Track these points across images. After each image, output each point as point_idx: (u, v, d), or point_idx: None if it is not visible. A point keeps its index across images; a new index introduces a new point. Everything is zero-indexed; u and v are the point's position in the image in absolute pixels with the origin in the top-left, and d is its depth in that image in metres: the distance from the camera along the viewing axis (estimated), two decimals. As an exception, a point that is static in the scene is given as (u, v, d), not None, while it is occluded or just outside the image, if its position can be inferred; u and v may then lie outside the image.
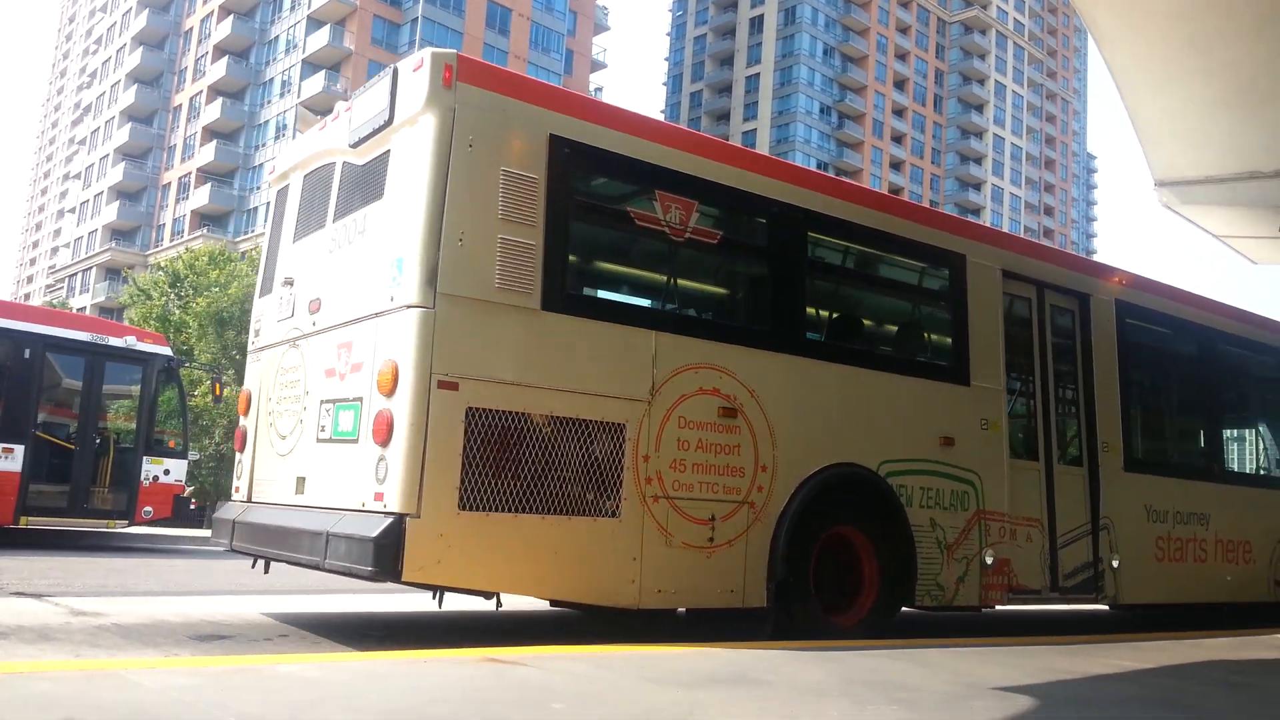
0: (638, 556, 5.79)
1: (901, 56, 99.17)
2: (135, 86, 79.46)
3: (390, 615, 7.60)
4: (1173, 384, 10.35)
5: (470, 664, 4.78)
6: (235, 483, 7.11)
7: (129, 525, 15.57)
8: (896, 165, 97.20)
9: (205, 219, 70.81)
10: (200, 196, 70.70)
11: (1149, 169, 9.36)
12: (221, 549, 7.39)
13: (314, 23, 65.57)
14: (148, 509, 15.49)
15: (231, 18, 71.46)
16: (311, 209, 6.77)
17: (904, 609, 7.25)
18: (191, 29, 77.28)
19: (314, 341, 6.26)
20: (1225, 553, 9.57)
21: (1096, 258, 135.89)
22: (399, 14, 65.28)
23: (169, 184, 76.43)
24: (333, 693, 3.98)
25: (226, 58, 71.28)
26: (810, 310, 7.25)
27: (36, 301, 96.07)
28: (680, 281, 6.79)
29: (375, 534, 5.07)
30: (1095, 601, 8.42)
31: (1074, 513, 8.28)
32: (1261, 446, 11.41)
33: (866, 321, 8.13)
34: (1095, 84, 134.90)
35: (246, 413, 7.08)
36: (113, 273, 74.42)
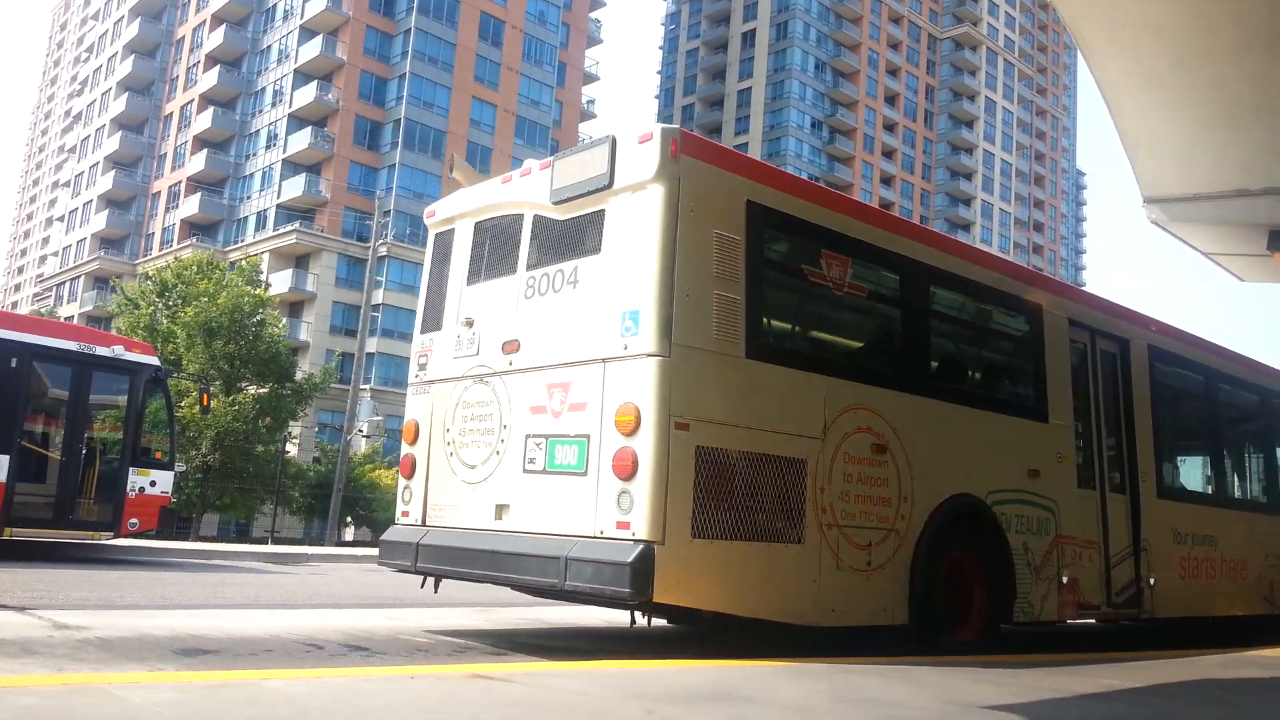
0: (816, 579, 6.43)
1: (892, 72, 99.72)
2: (126, 95, 79.40)
3: (379, 630, 7.56)
4: (1190, 419, 11.36)
5: (456, 680, 4.76)
6: (403, 507, 7.49)
7: (114, 537, 15.42)
8: (887, 180, 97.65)
9: (195, 228, 70.67)
10: (190, 205, 70.57)
11: (1138, 186, 9.38)
12: (381, 567, 7.71)
13: (306, 32, 65.66)
14: (133, 521, 15.28)
15: (224, 27, 71.46)
16: (491, 255, 7.29)
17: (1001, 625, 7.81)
18: (183, 38, 77.27)
19: (513, 379, 6.78)
20: (1228, 571, 10.38)
21: (1085, 274, 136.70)
22: (392, 25, 65.41)
23: (159, 193, 76.28)
24: (319, 708, 3.96)
25: (218, 67, 71.26)
26: (935, 356, 8.05)
27: (24, 310, 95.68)
28: (840, 330, 7.73)
29: (631, 559, 5.59)
30: (1137, 617, 9.13)
31: (1120, 536, 9.02)
32: (1255, 476, 12.33)
33: (974, 365, 8.89)
34: (1085, 101, 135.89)
35: (414, 442, 7.49)
36: (101, 281, 74.18)
